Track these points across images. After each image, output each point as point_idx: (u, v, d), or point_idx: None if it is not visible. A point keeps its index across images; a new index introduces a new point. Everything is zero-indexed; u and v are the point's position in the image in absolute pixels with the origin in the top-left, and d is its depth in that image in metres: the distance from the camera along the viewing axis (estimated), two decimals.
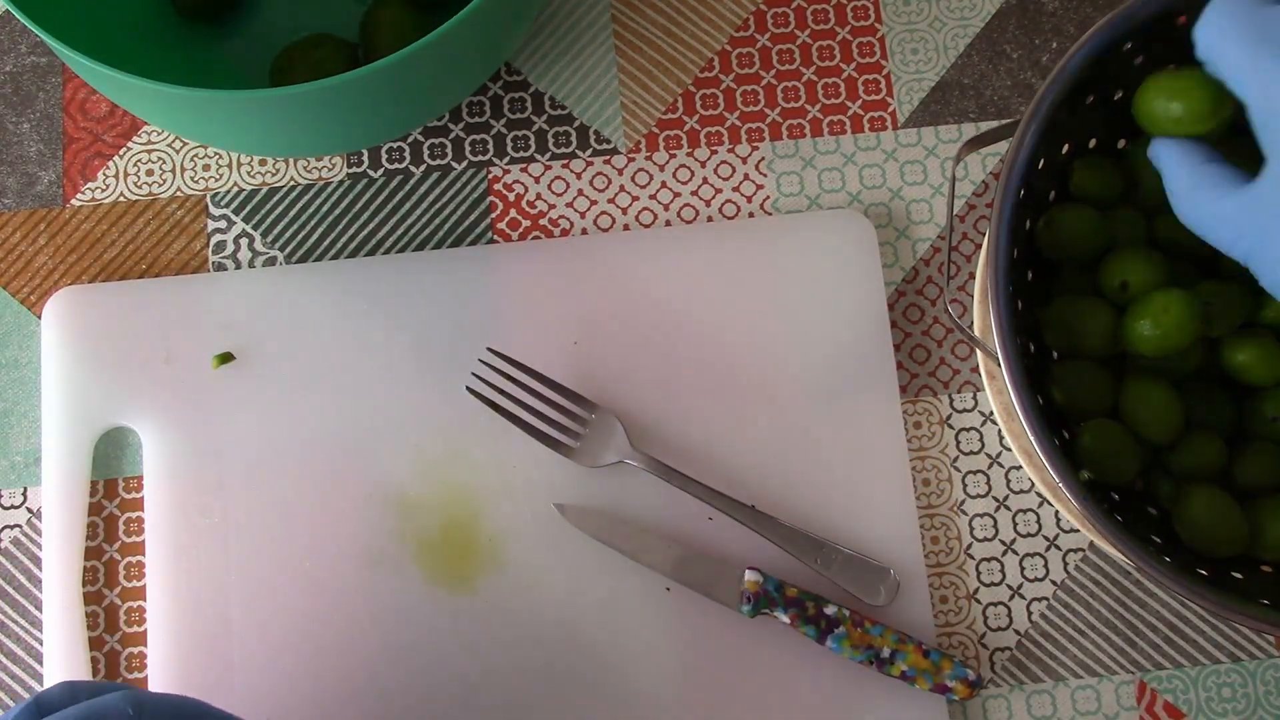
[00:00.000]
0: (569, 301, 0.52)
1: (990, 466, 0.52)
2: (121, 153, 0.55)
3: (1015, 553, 0.51)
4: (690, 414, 0.51)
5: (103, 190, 0.55)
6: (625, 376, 0.52)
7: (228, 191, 0.55)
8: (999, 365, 0.41)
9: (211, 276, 0.53)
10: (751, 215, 0.54)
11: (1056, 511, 0.51)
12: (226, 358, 0.51)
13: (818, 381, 0.52)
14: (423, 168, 0.55)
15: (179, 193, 0.55)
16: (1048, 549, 0.51)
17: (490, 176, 0.55)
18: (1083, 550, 0.51)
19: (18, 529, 0.51)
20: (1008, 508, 0.52)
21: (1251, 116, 0.33)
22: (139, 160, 0.55)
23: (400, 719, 0.48)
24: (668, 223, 0.55)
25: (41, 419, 0.51)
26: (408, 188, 0.55)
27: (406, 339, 0.52)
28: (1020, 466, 0.52)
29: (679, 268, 0.53)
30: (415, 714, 0.48)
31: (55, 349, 0.52)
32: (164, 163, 0.55)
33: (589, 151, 0.55)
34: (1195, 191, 0.35)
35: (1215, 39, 0.34)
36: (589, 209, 0.55)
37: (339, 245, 0.54)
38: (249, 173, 0.55)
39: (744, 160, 0.55)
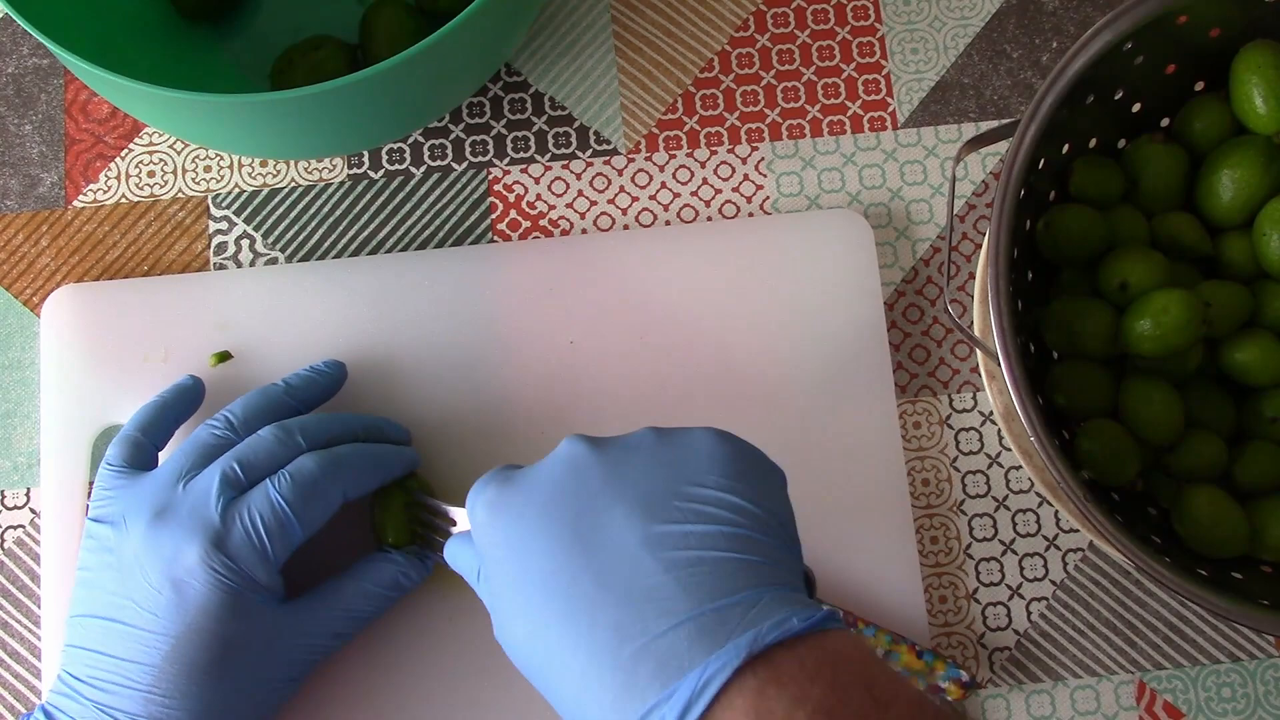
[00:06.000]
0: (566, 300, 0.52)
1: (990, 466, 0.52)
2: (123, 154, 0.55)
3: (1015, 553, 0.51)
4: (686, 413, 0.51)
5: (104, 192, 0.55)
6: (621, 376, 0.52)
7: (229, 193, 0.55)
8: (999, 365, 0.41)
9: (209, 275, 0.53)
10: (751, 215, 0.54)
11: (1056, 511, 0.52)
12: (224, 356, 0.52)
13: (814, 380, 0.52)
14: (423, 169, 0.55)
15: (180, 194, 0.55)
16: (1047, 549, 0.51)
17: (490, 177, 0.55)
18: (1083, 550, 0.51)
19: (20, 529, 0.52)
20: (1007, 508, 0.52)
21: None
22: (140, 162, 0.55)
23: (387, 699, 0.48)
24: (667, 223, 0.55)
25: (40, 416, 0.52)
26: (408, 189, 0.55)
27: (404, 337, 0.52)
28: (1020, 466, 0.52)
29: (675, 267, 0.53)
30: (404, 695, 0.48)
31: (54, 346, 0.52)
32: (165, 164, 0.55)
33: (589, 152, 0.55)
34: (475, 582, 0.40)
35: (471, 503, 0.40)
36: (589, 209, 0.55)
37: (340, 246, 0.54)
38: (250, 174, 0.55)
39: (744, 160, 0.55)
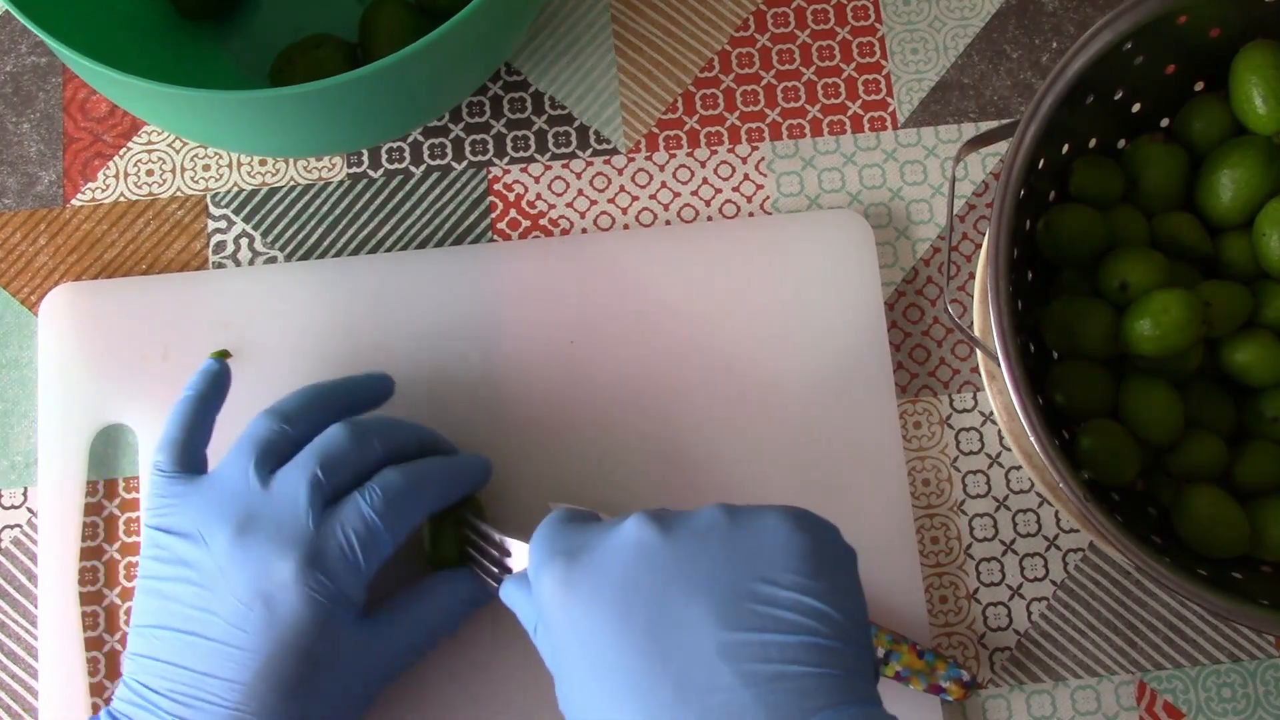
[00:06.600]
0: (566, 301, 0.52)
1: (990, 466, 0.52)
2: (121, 153, 0.55)
3: (1015, 553, 0.51)
4: (686, 414, 0.51)
5: (103, 190, 0.55)
6: (621, 376, 0.52)
7: (228, 191, 0.55)
8: (999, 365, 0.41)
9: (208, 274, 0.53)
10: (751, 215, 0.54)
11: (1056, 511, 0.51)
12: (223, 355, 0.51)
13: (814, 381, 0.52)
14: (423, 168, 0.55)
15: (179, 193, 0.55)
16: (1048, 549, 0.51)
17: (490, 176, 0.55)
18: (1083, 550, 0.51)
19: (18, 529, 0.51)
20: (1008, 508, 0.52)
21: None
22: (139, 160, 0.55)
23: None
24: (667, 222, 0.55)
25: (37, 414, 0.51)
26: (408, 188, 0.55)
27: (403, 337, 0.52)
28: (1020, 466, 0.52)
29: (675, 267, 0.53)
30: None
31: (52, 345, 0.52)
32: (164, 163, 0.55)
33: (589, 151, 0.55)
34: (534, 634, 0.40)
35: (536, 570, 0.39)
36: (589, 209, 0.55)
37: (339, 245, 0.54)
38: (249, 173, 0.55)
39: (744, 160, 0.55)
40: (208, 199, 0.55)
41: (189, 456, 0.45)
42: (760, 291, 0.52)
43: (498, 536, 0.46)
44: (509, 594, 0.42)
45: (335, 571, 0.42)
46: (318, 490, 0.42)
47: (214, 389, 0.46)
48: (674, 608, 0.36)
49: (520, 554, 0.46)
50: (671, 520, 0.38)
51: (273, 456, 0.44)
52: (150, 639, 0.42)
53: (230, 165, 0.55)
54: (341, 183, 0.55)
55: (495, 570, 0.46)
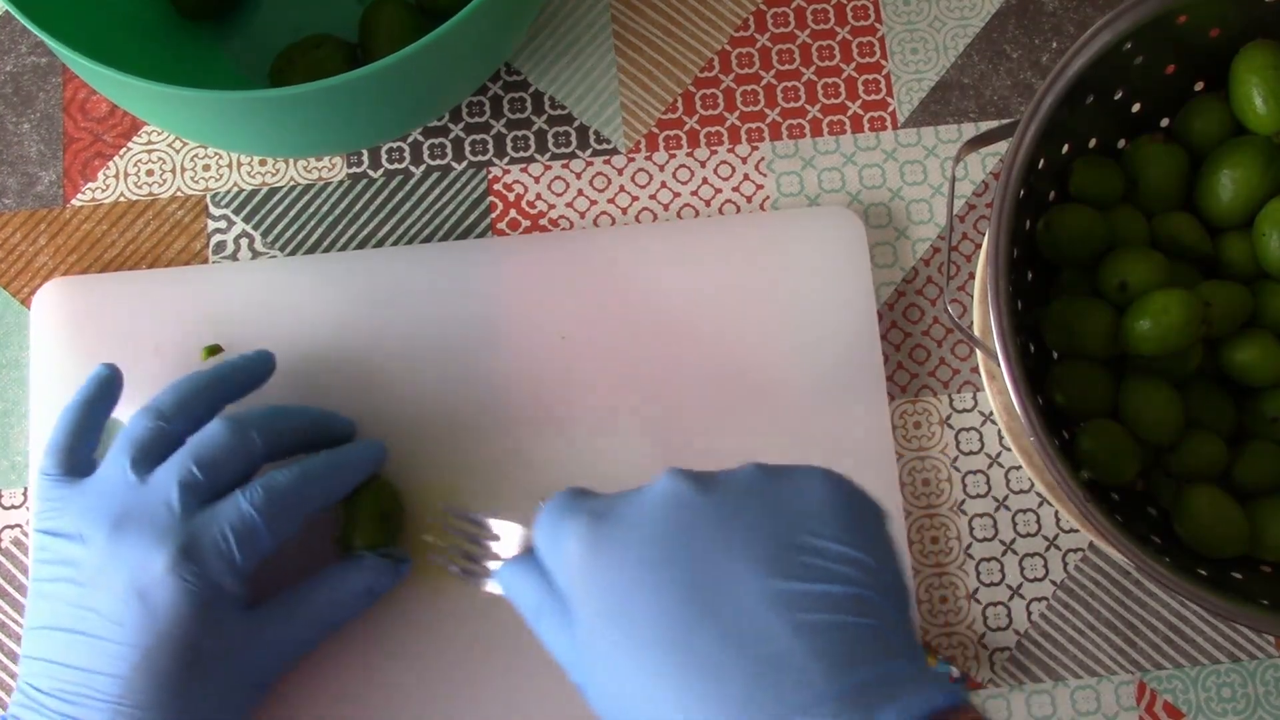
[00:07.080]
0: (560, 295, 0.52)
1: (990, 466, 0.52)
2: (122, 153, 0.55)
3: (1015, 553, 0.51)
4: (676, 410, 0.51)
5: (103, 190, 0.55)
6: (611, 371, 0.52)
7: (228, 191, 0.55)
8: (999, 365, 0.41)
9: (200, 268, 0.53)
10: (750, 215, 0.54)
11: (1056, 511, 0.51)
12: (214, 350, 0.51)
13: (806, 376, 0.52)
14: (423, 168, 0.55)
15: (179, 193, 0.55)
16: (1048, 549, 0.51)
17: (490, 176, 0.55)
18: (1083, 550, 0.51)
19: (18, 529, 0.51)
20: (1008, 508, 0.52)
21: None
22: (139, 160, 0.55)
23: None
24: (666, 221, 0.54)
25: (29, 408, 0.51)
26: (408, 188, 0.55)
27: (395, 331, 0.52)
28: (1020, 466, 0.52)
29: (667, 263, 0.53)
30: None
31: (44, 339, 0.52)
32: (164, 163, 0.55)
33: (589, 151, 0.55)
34: (539, 619, 0.38)
35: (554, 534, 0.37)
36: (589, 209, 0.55)
37: (339, 245, 0.54)
38: (249, 173, 0.55)
39: (744, 160, 0.55)
40: (208, 199, 0.55)
41: (74, 460, 0.45)
42: (750, 288, 0.52)
43: (484, 520, 0.45)
44: (507, 578, 0.40)
45: (209, 564, 0.42)
46: (192, 486, 0.42)
47: (101, 394, 0.47)
48: (716, 560, 0.34)
49: (512, 537, 0.44)
50: (707, 477, 0.36)
51: (151, 454, 0.44)
52: (40, 640, 0.42)
53: (230, 165, 0.55)
54: (341, 183, 0.55)
55: (480, 560, 0.45)
